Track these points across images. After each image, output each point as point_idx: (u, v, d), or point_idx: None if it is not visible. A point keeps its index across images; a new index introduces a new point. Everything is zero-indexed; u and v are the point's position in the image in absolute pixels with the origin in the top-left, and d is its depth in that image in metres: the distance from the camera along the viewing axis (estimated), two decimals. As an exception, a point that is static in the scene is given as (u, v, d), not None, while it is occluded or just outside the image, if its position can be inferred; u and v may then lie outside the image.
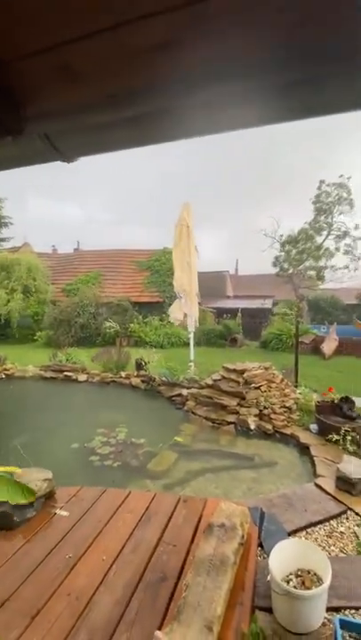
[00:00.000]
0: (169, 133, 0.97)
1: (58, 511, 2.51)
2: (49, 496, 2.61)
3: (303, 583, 1.93)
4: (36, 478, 2.53)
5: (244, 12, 0.57)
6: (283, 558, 1.98)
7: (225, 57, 0.67)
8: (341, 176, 16.07)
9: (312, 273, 18.12)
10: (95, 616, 1.70)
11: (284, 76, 0.72)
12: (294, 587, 1.91)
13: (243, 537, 2.08)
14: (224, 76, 0.72)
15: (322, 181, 16.61)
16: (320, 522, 2.49)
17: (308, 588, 1.84)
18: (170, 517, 2.43)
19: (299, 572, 1.99)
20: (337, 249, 17.03)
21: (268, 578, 1.86)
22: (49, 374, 7.84)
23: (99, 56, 0.67)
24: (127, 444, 4.14)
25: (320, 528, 2.45)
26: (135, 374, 7.29)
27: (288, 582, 1.95)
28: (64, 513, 2.49)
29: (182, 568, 2.01)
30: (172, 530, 2.33)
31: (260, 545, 2.30)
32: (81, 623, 1.66)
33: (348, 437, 3.53)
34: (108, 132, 0.96)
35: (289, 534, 2.41)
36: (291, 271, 18.59)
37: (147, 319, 12.99)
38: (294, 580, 1.96)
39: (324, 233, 17.25)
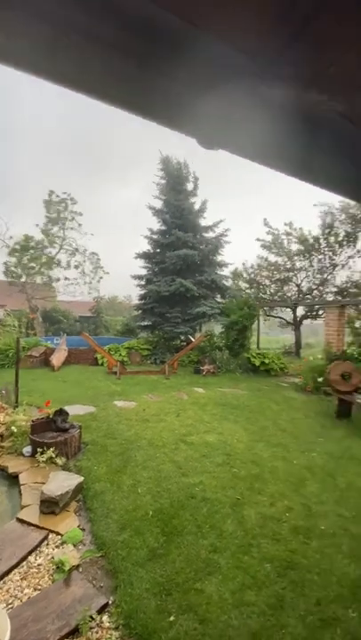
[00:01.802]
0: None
1: None
2: None
3: (-24, 669, 1.52)
4: None
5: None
6: None
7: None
8: (65, 193, 17.33)
9: (47, 283, 18.11)
10: None
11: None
12: None
13: None
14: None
15: (52, 191, 17.14)
16: (16, 565, 2.17)
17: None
18: None
19: (-28, 658, 1.56)
20: (68, 263, 18.11)
21: None
22: None
23: None
24: None
25: (15, 573, 2.13)
26: None
27: None
28: None
29: None
30: None
31: None
32: None
33: (54, 452, 3.45)
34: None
35: (-27, 604, 1.91)
36: (24, 279, 17.61)
37: None
38: (-35, 673, 1.51)
39: (57, 246, 17.87)
